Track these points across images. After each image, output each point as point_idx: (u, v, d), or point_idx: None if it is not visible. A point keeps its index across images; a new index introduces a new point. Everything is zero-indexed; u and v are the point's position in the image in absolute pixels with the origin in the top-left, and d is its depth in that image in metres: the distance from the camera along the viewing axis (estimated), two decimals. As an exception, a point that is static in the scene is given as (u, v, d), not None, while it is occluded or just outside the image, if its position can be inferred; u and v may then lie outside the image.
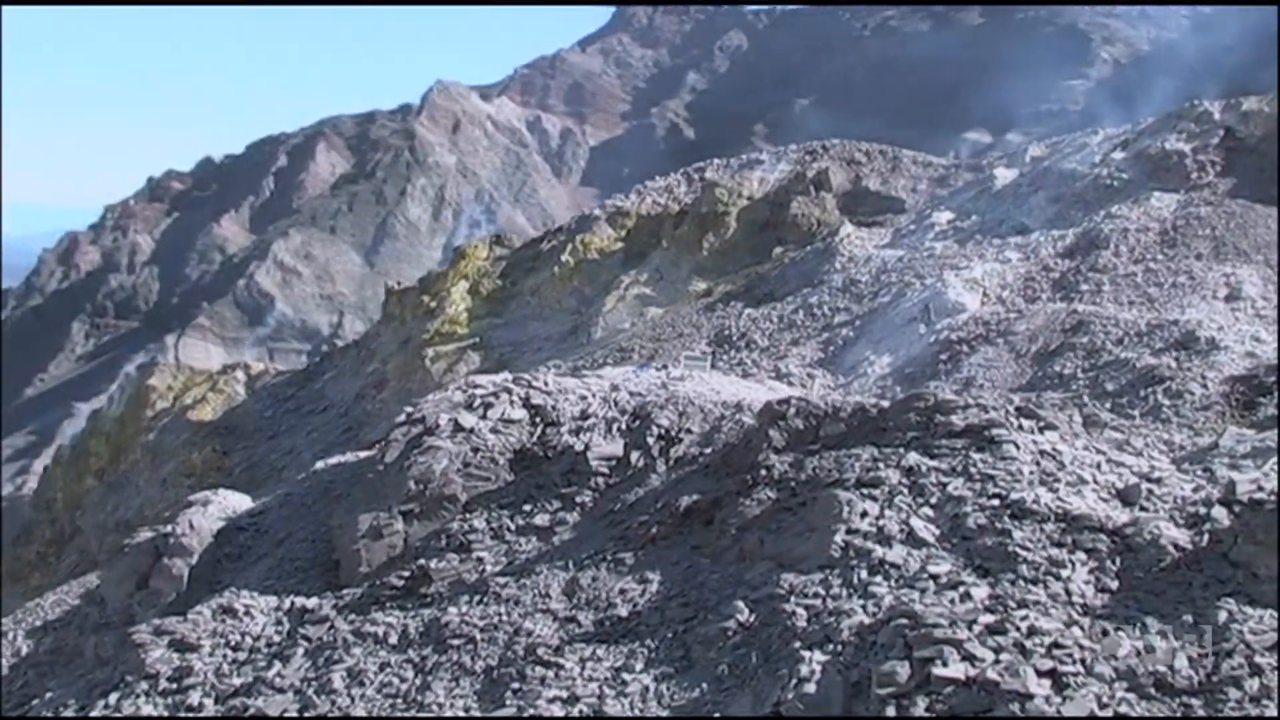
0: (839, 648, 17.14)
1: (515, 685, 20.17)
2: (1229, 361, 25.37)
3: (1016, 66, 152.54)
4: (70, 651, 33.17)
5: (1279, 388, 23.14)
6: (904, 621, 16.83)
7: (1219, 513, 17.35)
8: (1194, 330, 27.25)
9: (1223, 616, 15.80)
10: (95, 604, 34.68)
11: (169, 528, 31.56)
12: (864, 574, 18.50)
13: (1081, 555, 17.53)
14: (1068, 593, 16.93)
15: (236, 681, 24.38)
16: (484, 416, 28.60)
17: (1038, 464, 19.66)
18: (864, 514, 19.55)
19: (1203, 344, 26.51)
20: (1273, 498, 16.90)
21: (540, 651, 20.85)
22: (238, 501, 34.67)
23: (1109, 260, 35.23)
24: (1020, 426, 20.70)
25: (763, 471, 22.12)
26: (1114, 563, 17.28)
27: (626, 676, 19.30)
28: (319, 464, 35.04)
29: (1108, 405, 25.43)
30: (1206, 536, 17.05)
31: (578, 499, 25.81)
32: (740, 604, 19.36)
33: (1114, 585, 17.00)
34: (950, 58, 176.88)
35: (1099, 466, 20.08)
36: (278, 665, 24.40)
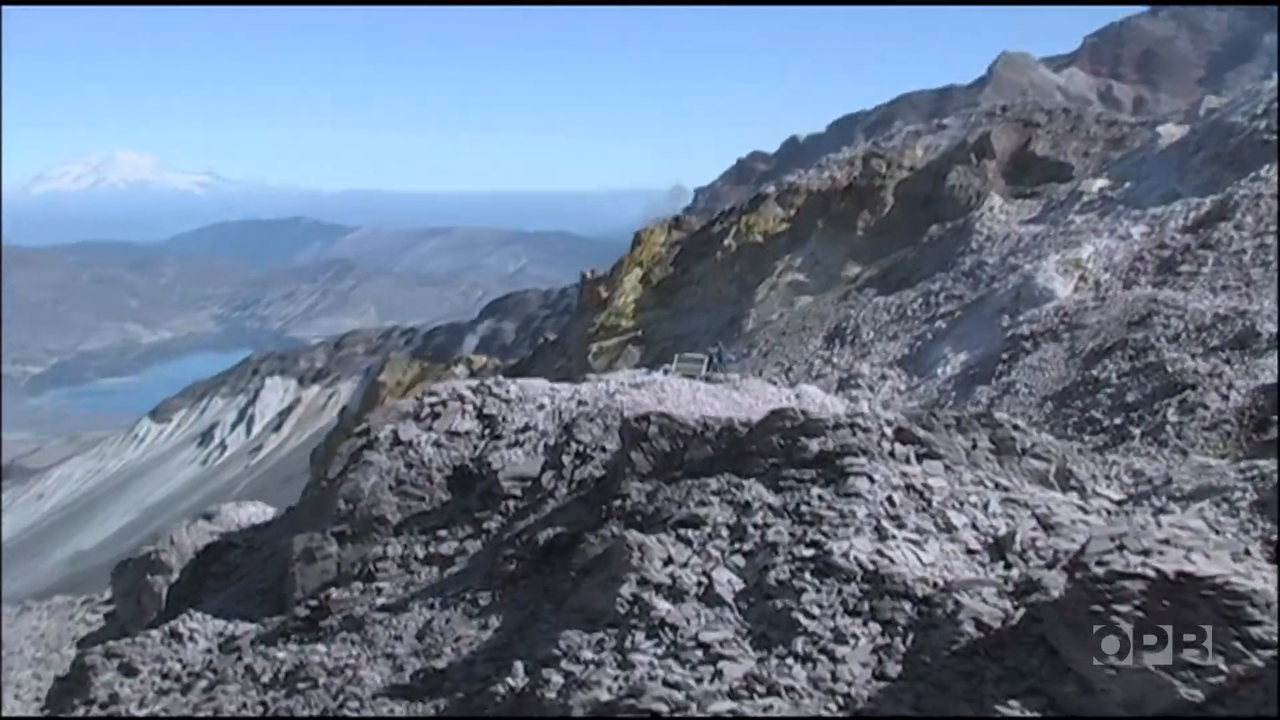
0: (567, 731, 14.73)
1: (305, 743, 19.05)
2: (1276, 365, 20.43)
3: None
4: (86, 667, 34.41)
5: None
6: (631, 703, 14.20)
7: (1053, 579, 13.54)
8: (1255, 325, 22.19)
9: (998, 723, 12.28)
10: (112, 619, 35.91)
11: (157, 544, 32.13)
12: (640, 636, 15.79)
13: (875, 628, 14.15)
14: (834, 678, 13.68)
15: (140, 712, 24.24)
16: (430, 428, 27.14)
17: (888, 503, 16.18)
18: (668, 561, 16.76)
19: (1262, 341, 21.50)
20: (1127, 561, 13.01)
21: (350, 705, 19.42)
22: (252, 513, 34.89)
23: (1226, 234, 29.51)
24: (891, 454, 17.18)
25: (617, 502, 19.60)
26: (906, 641, 13.85)
27: (399, 742, 17.67)
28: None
29: (1118, 420, 21.18)
30: (1021, 612, 13.35)
31: (486, 525, 23.98)
32: (519, 665, 17.14)
33: (897, 671, 13.59)
34: None
35: (985, 506, 16.34)
36: (175, 698, 24.08)
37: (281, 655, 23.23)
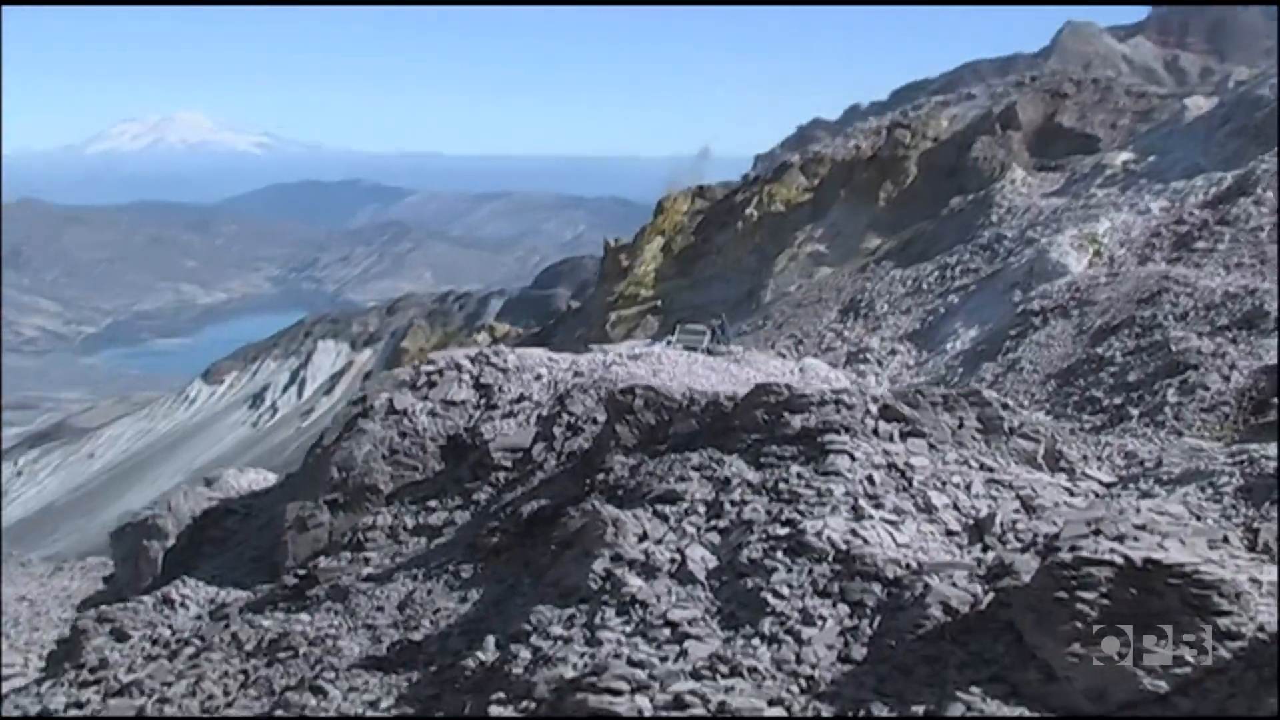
0: (531, 706, 14.72)
1: (280, 713, 19.10)
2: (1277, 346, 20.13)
3: None
4: (80, 631, 34.67)
5: None
6: (593, 680, 14.16)
7: (1025, 563, 13.35)
8: (1264, 304, 21.85)
9: (957, 711, 12.14)
10: (111, 583, 36.21)
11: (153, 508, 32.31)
12: (610, 613, 15.74)
13: (844, 609, 14.01)
14: (799, 659, 13.56)
15: (126, 678, 24.29)
16: (425, 397, 27.11)
17: (868, 482, 16.00)
18: (643, 537, 16.69)
19: (1270, 321, 21.16)
20: (1096, 547, 12.83)
21: (326, 675, 19.46)
22: (253, 480, 35.03)
23: (1245, 210, 29.02)
24: (875, 431, 16.99)
25: (600, 476, 19.51)
26: (873, 624, 13.70)
27: (371, 714, 17.69)
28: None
29: (1118, 399, 20.94)
30: (990, 596, 13.16)
31: (475, 496, 23.95)
32: (490, 640, 17.10)
33: (862, 654, 13.46)
34: None
35: (968, 487, 16.13)
36: (162, 664, 24.18)
37: (267, 623, 23.31)
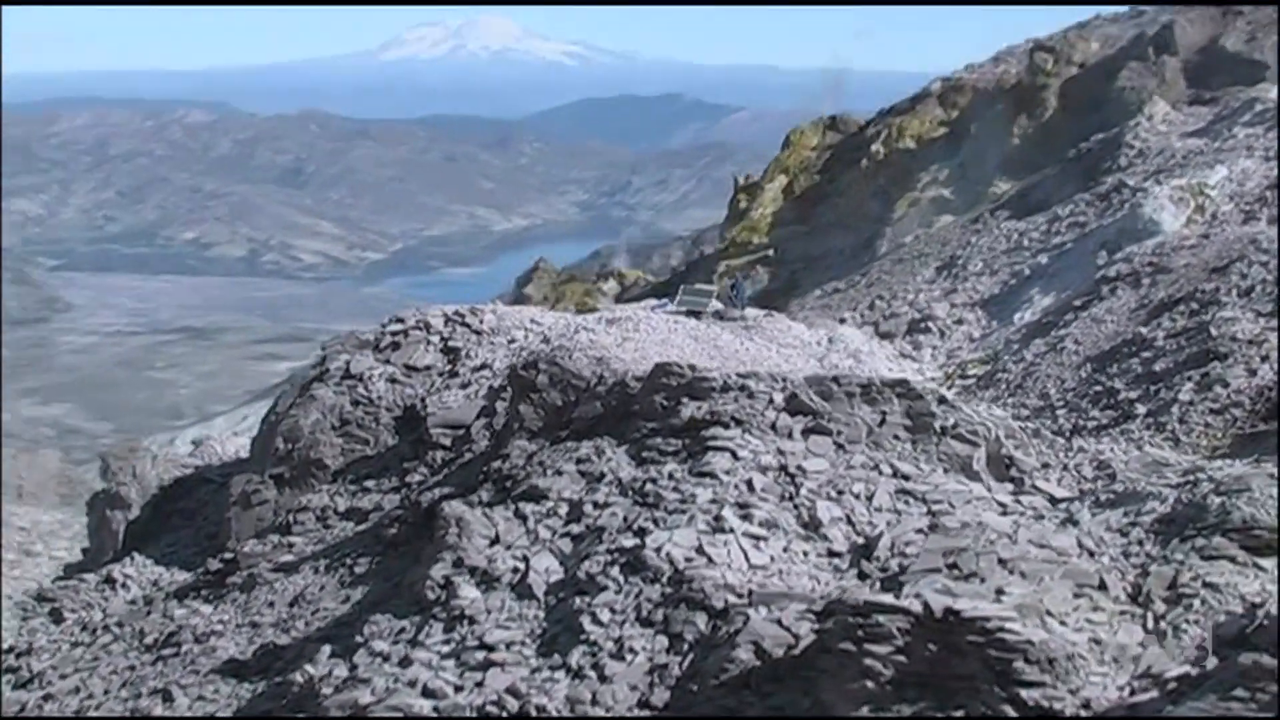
0: (320, 734, 14.41)
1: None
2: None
3: None
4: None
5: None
6: (374, 709, 13.75)
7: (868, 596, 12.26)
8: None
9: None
10: (86, 554, 37.16)
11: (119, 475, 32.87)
12: (436, 629, 15.27)
13: (662, 642, 13.14)
14: (594, 700, 12.78)
15: (39, 666, 24.74)
16: (387, 361, 26.75)
17: (745, 487, 14.95)
18: (494, 540, 16.04)
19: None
20: (900, 591, 11.74)
21: (184, 680, 19.58)
22: (240, 445, 35.44)
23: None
24: (773, 426, 15.89)
25: (497, 463, 18.87)
26: (684, 663, 12.79)
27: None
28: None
29: (1135, 394, 19.33)
30: (811, 639, 12.09)
31: (410, 477, 23.58)
32: (325, 652, 16.78)
33: (663, 699, 12.59)
34: None
35: (870, 498, 14.95)
36: (78, 652, 24.59)
37: (179, 613, 23.48)
